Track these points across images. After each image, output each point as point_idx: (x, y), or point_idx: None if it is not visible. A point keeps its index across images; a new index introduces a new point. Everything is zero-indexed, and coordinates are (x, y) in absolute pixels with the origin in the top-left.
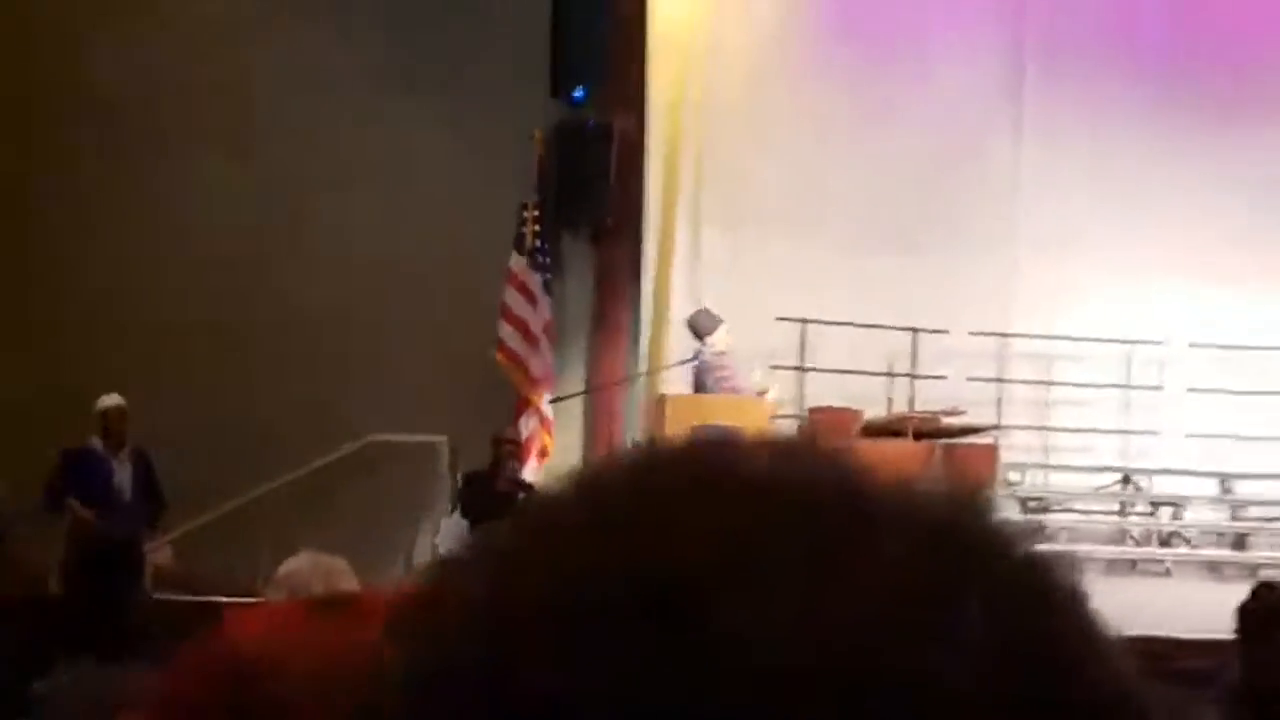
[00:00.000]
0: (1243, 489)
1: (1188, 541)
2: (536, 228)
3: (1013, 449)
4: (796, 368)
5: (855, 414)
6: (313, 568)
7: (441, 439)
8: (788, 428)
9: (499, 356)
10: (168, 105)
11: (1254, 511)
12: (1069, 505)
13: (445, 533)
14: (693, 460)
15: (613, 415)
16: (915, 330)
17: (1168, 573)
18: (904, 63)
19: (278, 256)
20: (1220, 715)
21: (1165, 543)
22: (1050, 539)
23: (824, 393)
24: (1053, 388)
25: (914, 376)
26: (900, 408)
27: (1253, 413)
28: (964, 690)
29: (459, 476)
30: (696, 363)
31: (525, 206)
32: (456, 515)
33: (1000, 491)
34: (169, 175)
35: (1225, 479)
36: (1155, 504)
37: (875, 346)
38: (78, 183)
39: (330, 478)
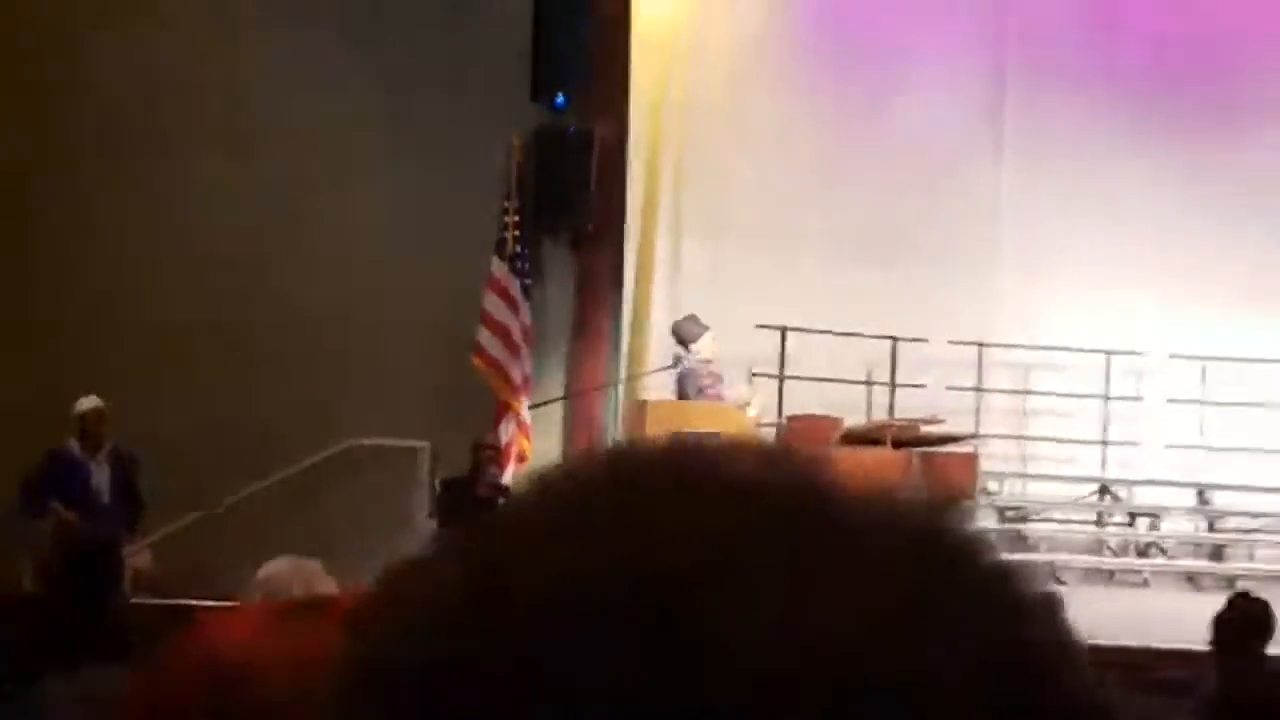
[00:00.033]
0: (1220, 500)
1: (1165, 552)
2: (517, 233)
3: (991, 458)
4: (776, 375)
5: (834, 422)
6: (291, 571)
7: (422, 444)
8: (767, 435)
9: (478, 362)
10: (166, 105)
11: (1231, 523)
12: (1047, 515)
13: (427, 537)
14: (674, 461)
15: (592, 421)
16: (895, 339)
17: (1145, 583)
18: (886, 76)
19: (256, 262)
20: None
21: (1143, 553)
22: (1028, 549)
23: (803, 401)
24: (1031, 397)
25: (893, 385)
26: (879, 416)
27: (1230, 424)
28: (946, 695)
29: (438, 482)
30: (679, 369)
31: (506, 211)
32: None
33: (978, 501)
34: (166, 175)
35: (1203, 490)
36: (1133, 514)
37: (855, 355)
38: (77, 182)
39: (310, 481)
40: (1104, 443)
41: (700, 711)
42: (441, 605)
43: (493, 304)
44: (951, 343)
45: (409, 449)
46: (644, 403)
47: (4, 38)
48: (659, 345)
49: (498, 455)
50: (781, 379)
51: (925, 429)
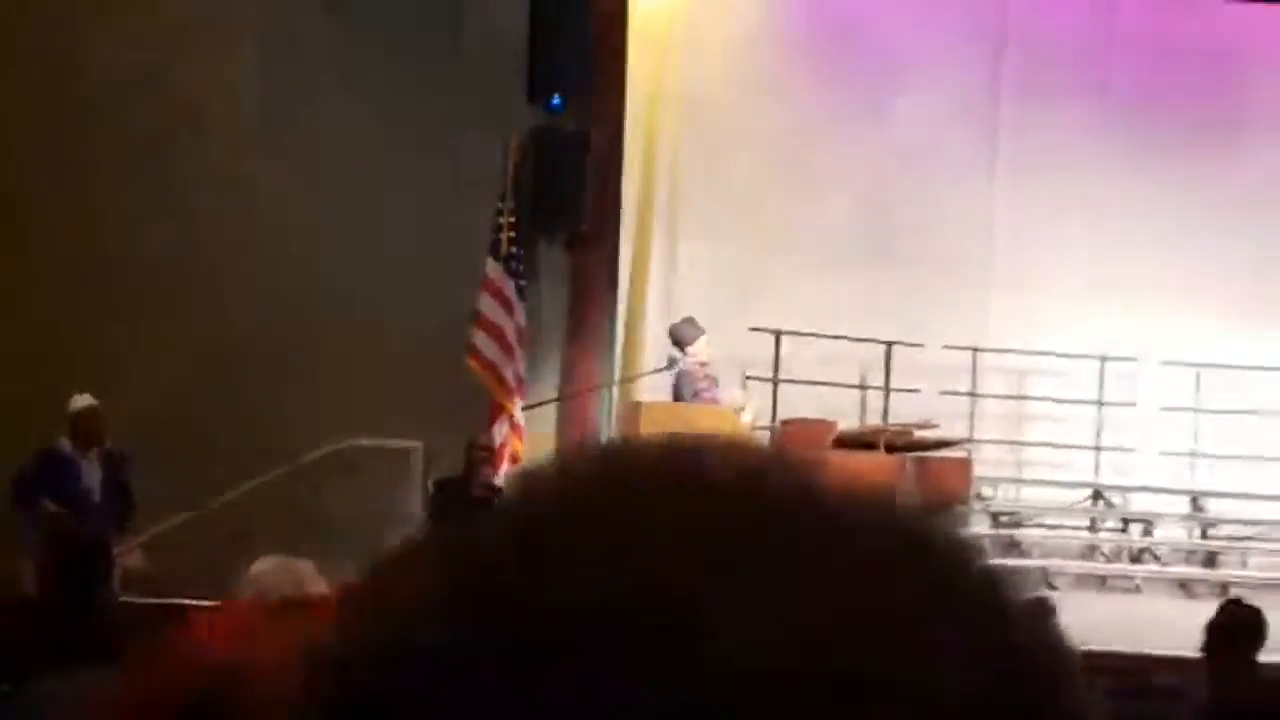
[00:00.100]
0: (1213, 507)
1: (1158, 558)
2: (512, 234)
3: (985, 463)
4: (770, 378)
5: (828, 426)
6: (282, 570)
7: (416, 444)
8: (762, 439)
9: (472, 363)
10: (162, 103)
11: (1224, 530)
12: (1040, 520)
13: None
14: (668, 460)
15: (586, 422)
16: (889, 343)
17: (1138, 589)
18: (883, 80)
19: (250, 261)
20: None
21: (1136, 559)
22: (1021, 554)
23: (797, 404)
24: (1025, 403)
25: (888, 389)
26: (873, 420)
27: (1224, 432)
28: (940, 698)
29: (431, 482)
30: (675, 370)
31: (500, 212)
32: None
33: (972, 505)
34: (161, 173)
35: (1196, 497)
36: (1126, 520)
37: (849, 359)
38: (70, 179)
39: (304, 481)
40: (1097, 448)
41: (705, 710)
42: (424, 603)
43: (487, 305)
44: (946, 347)
45: (403, 449)
46: (638, 404)
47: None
48: (654, 347)
49: (491, 456)
50: (776, 382)
51: (919, 434)
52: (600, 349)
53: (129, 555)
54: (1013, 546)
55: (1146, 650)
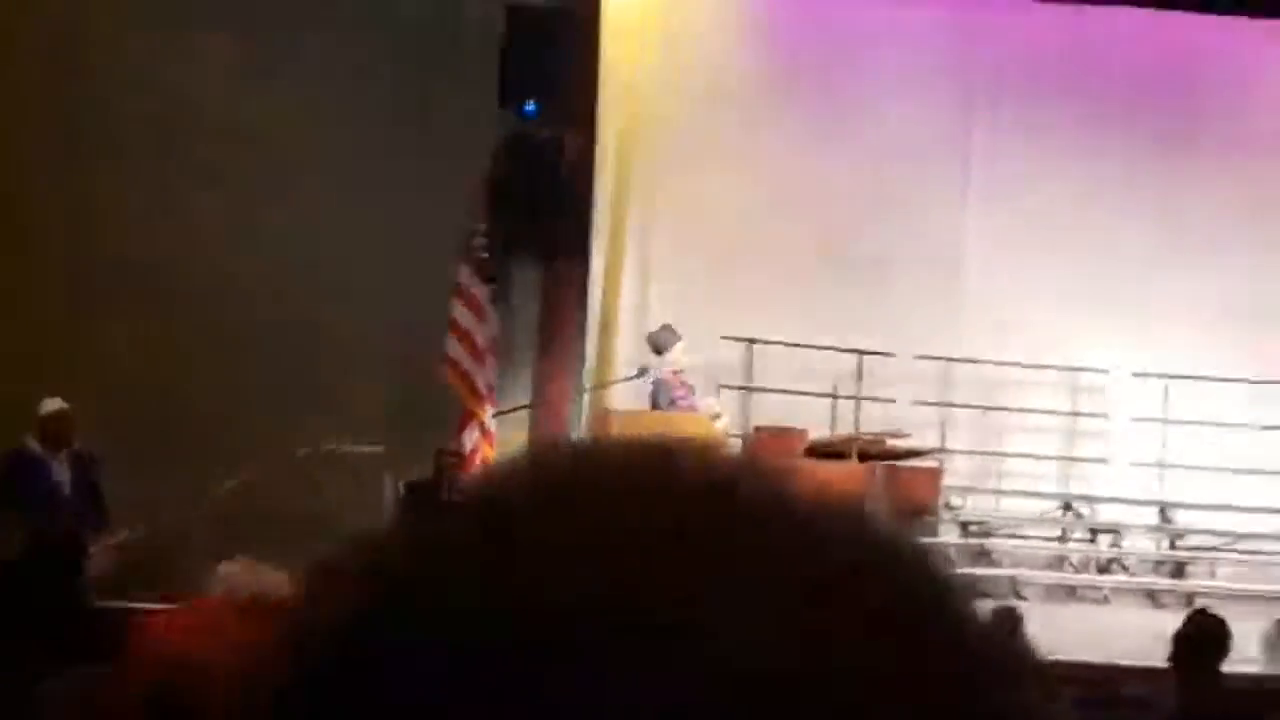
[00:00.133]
0: (1181, 518)
1: (1126, 569)
2: (484, 240)
3: (955, 473)
4: (742, 387)
5: (800, 434)
6: (246, 573)
7: (384, 449)
8: (734, 447)
9: (445, 370)
10: (129, 110)
11: (1192, 540)
12: (1010, 530)
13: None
14: (641, 461)
15: (558, 429)
16: (861, 352)
17: (1106, 600)
18: (857, 91)
19: (216, 267)
20: None
21: (1104, 570)
22: (991, 564)
23: (769, 413)
24: (996, 414)
25: (859, 399)
26: (845, 429)
27: (1192, 443)
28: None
29: (402, 485)
30: (651, 379)
31: (473, 219)
32: None
33: (942, 515)
34: (124, 179)
35: (1164, 508)
36: (1095, 531)
37: (821, 368)
38: (35, 183)
39: (273, 486)
40: (1068, 459)
41: (705, 711)
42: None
43: (459, 311)
44: (918, 357)
45: (370, 455)
46: (609, 411)
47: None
48: (625, 354)
49: (461, 462)
50: (748, 391)
51: (890, 443)
52: (573, 356)
53: (99, 558)
54: (982, 556)
55: (1115, 660)
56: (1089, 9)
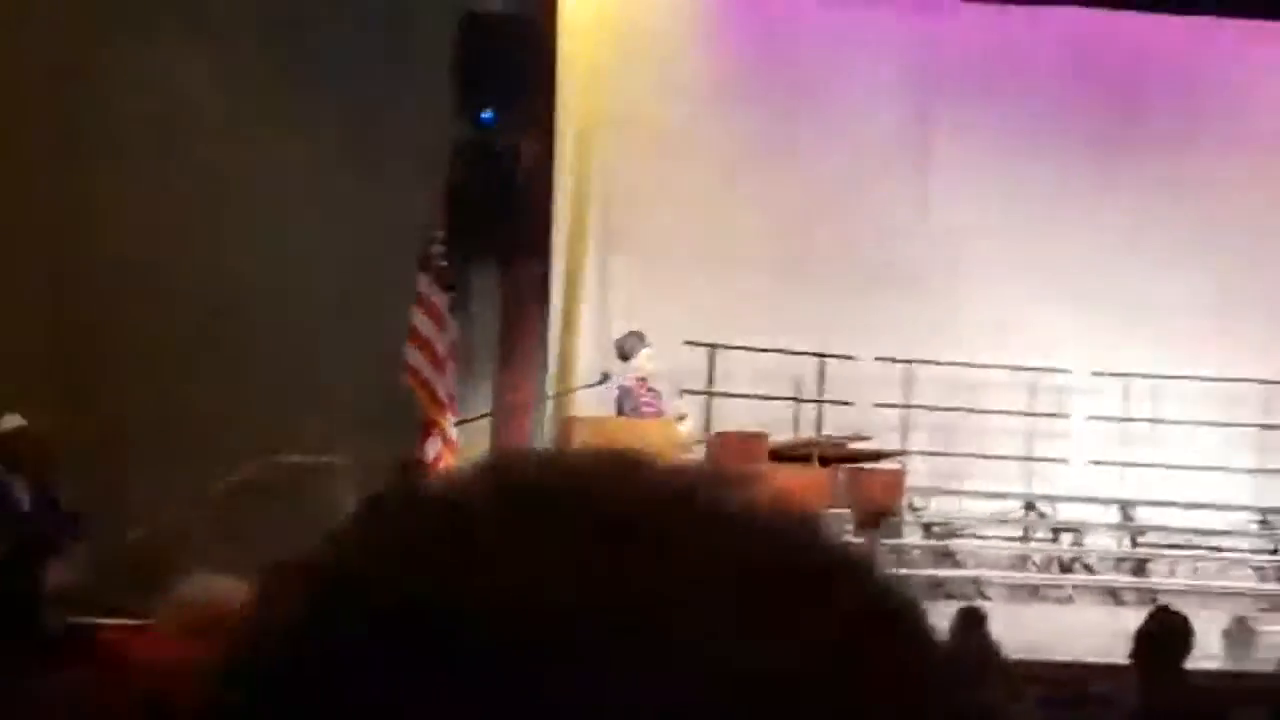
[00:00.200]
0: (1142, 516)
1: (1089, 568)
2: (443, 247)
3: (917, 475)
4: (705, 392)
5: (762, 438)
6: (210, 588)
7: (345, 461)
8: (697, 450)
9: (407, 379)
10: (93, 108)
11: (1153, 537)
12: (973, 531)
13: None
14: (602, 472)
15: (520, 437)
16: (823, 356)
17: (1069, 598)
18: (815, 95)
19: (178, 275)
20: None
21: (1067, 569)
22: (954, 564)
23: (731, 417)
24: (957, 415)
25: (821, 402)
26: (807, 433)
27: (1152, 441)
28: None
29: (364, 499)
30: (616, 386)
31: (431, 226)
32: None
33: (905, 517)
34: (87, 180)
35: (1125, 506)
36: (1057, 530)
37: (783, 371)
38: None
39: (233, 499)
40: (1029, 459)
41: (704, 711)
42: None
43: (419, 320)
44: (879, 359)
45: (329, 466)
46: (571, 419)
47: None
48: (587, 360)
49: (424, 472)
50: (710, 395)
51: (852, 446)
52: (534, 364)
53: (59, 573)
54: (945, 557)
55: (1078, 658)
56: (1042, 9)
